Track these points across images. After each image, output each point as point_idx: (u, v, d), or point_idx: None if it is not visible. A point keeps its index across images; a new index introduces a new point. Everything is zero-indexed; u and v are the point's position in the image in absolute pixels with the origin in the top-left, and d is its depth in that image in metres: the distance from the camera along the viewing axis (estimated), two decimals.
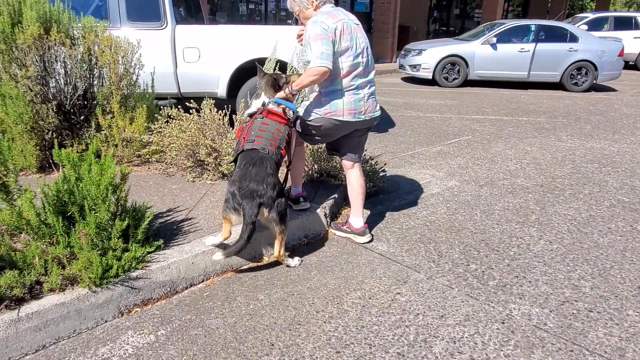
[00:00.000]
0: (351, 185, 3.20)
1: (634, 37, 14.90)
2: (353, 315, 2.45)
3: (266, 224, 2.75)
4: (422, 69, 10.79)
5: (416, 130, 6.65)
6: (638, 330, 2.38)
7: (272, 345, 2.21)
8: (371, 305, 2.53)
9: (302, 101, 3.29)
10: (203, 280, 2.73)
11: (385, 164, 4.55)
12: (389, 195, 4.12)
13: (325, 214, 3.38)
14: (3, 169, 2.32)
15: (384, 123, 6.95)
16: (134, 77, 4.16)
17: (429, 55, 10.75)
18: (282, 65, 4.66)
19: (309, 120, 2.99)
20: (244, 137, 2.83)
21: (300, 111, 3.07)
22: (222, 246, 2.75)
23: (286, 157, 2.97)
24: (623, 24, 15.32)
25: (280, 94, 2.93)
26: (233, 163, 2.94)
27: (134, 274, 2.45)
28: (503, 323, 2.41)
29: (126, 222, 2.46)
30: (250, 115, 3.02)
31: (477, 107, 8.60)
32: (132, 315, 2.43)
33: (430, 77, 10.80)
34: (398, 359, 2.14)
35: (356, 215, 3.21)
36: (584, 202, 4.10)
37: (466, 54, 10.58)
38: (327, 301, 2.56)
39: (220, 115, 3.94)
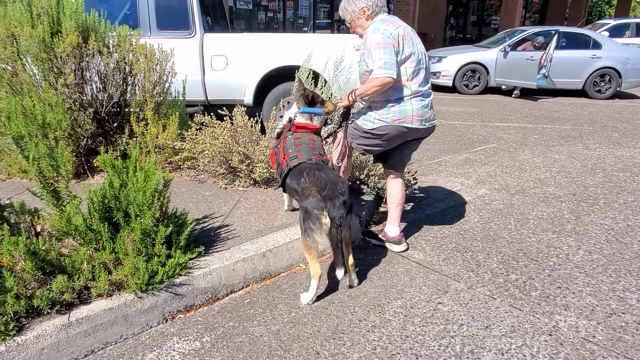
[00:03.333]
0: (391, 195, 3.16)
1: None
2: (396, 324, 2.42)
3: (344, 232, 2.54)
4: (442, 76, 10.76)
5: (440, 138, 6.62)
6: None
7: (318, 354, 2.20)
8: (413, 315, 2.51)
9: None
10: (243, 287, 2.73)
11: (416, 172, 4.52)
12: (420, 203, 4.10)
13: (360, 222, 3.37)
14: (55, 174, 2.35)
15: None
16: (167, 85, 4.21)
17: (449, 62, 10.72)
18: (315, 75, 4.67)
19: (373, 129, 2.87)
20: (284, 157, 2.83)
21: (360, 121, 2.95)
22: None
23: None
24: None
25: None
26: (281, 188, 2.96)
27: (177, 281, 2.46)
28: (550, 335, 2.37)
29: (170, 228, 2.48)
30: (279, 135, 3.05)
31: (500, 114, 8.53)
32: (176, 321, 2.43)
33: (451, 85, 10.76)
34: None
35: (393, 224, 3.19)
36: (619, 212, 4.02)
37: (486, 61, 10.52)
38: (369, 310, 2.54)
39: (252, 122, 3.96)
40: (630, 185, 4.71)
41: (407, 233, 3.48)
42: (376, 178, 3.76)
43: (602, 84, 10.42)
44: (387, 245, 3.22)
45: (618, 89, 10.39)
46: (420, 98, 2.82)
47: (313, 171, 2.59)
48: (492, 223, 3.72)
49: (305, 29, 15.71)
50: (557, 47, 9.99)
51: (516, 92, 10.52)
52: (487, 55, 10.59)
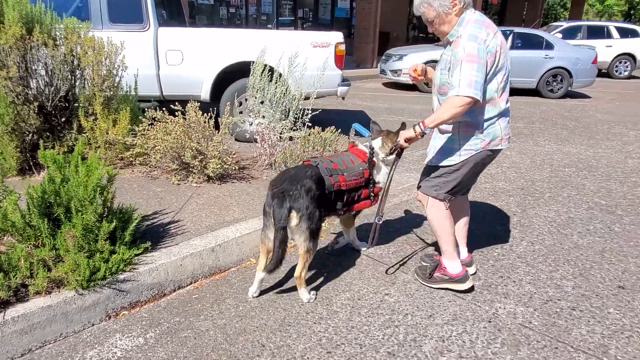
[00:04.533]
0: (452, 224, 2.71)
1: (606, 46, 15.39)
2: (343, 316, 2.46)
3: (293, 236, 2.40)
4: (403, 74, 10.92)
5: None
6: (619, 327, 2.45)
7: (263, 346, 2.21)
8: (360, 306, 2.55)
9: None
10: (191, 283, 2.71)
11: None
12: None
13: None
14: None
15: (367, 128, 7.00)
16: (117, 79, 4.12)
17: (410, 60, 10.88)
18: (270, 70, 4.65)
19: (460, 162, 2.45)
20: None
21: (438, 159, 2.52)
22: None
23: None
24: (596, 32, 15.81)
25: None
26: None
27: (121, 277, 2.42)
28: (490, 322, 2.46)
29: (113, 224, 2.43)
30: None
31: None
32: (120, 318, 2.39)
33: (411, 82, 10.94)
34: (389, 358, 2.16)
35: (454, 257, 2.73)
36: (562, 205, 4.21)
37: None
38: (317, 302, 2.57)
39: (205, 118, 3.93)
40: (574, 180, 4.94)
41: (359, 229, 3.53)
42: None
43: (555, 83, 10.84)
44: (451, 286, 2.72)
45: (569, 88, 10.84)
46: (506, 115, 2.46)
47: (290, 169, 2.62)
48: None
49: (270, 26, 15.64)
50: (512, 47, 10.33)
51: None
52: None
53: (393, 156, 2.71)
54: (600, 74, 15.07)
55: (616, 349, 2.28)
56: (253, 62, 4.48)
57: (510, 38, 10.06)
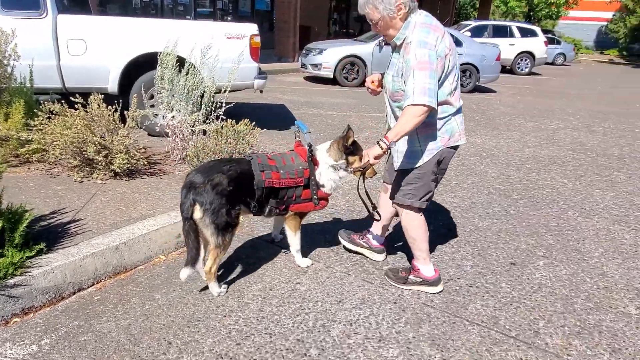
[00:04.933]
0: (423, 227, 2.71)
1: (509, 44, 16.64)
2: (254, 307, 2.46)
3: (202, 230, 2.36)
4: (323, 68, 11.08)
5: (318, 127, 6.82)
6: (509, 299, 2.68)
7: (170, 343, 2.16)
8: (272, 297, 2.57)
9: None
10: (93, 284, 2.57)
11: None
12: None
13: None
14: None
15: (286, 121, 7.03)
16: (9, 69, 3.78)
17: (329, 54, 11.07)
18: (181, 61, 4.49)
19: (424, 163, 2.46)
20: None
21: (404, 163, 2.52)
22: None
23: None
24: (500, 31, 17.04)
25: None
26: None
27: (11, 281, 2.24)
28: (395, 303, 2.58)
29: (0, 224, 2.24)
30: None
31: (375, 105, 9.02)
32: (11, 326, 2.21)
33: (332, 76, 11.12)
34: (297, 344, 2.20)
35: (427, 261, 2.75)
36: (467, 191, 4.51)
37: (364, 55, 11.05)
38: (228, 295, 2.55)
39: (110, 110, 3.72)
40: (478, 168, 5.30)
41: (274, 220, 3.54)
42: None
43: (464, 78, 11.52)
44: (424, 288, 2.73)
45: (477, 83, 11.59)
46: (460, 112, 2.49)
47: (210, 161, 2.58)
48: (356, 205, 3.94)
49: (188, 17, 15.12)
50: None
51: None
52: (364, 49, 11.13)
53: (342, 162, 2.68)
54: (504, 70, 16.28)
55: (505, 319, 2.49)
56: (161, 52, 4.30)
57: None
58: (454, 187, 4.60)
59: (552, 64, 22.41)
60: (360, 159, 2.67)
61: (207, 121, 4.07)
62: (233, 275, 2.75)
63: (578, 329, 2.44)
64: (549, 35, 21.92)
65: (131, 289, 2.57)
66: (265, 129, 4.38)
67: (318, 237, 3.32)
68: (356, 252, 3.08)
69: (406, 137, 2.43)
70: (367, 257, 3.05)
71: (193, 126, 4.01)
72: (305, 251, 3.09)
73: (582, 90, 13.64)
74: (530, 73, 17.37)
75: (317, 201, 2.70)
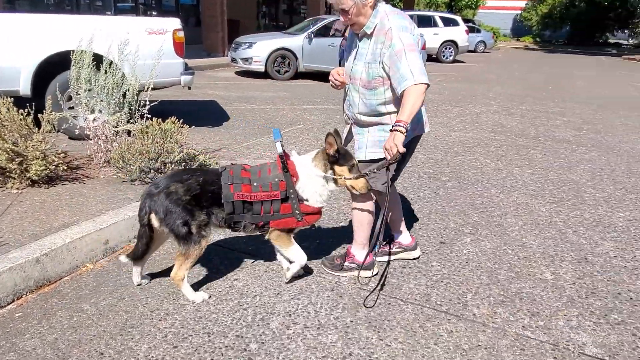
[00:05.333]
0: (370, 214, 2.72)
1: (434, 34, 17.31)
2: (190, 308, 2.42)
3: (169, 237, 2.41)
4: (254, 62, 10.97)
5: (251, 122, 6.75)
6: (440, 277, 2.82)
7: (102, 354, 2.07)
8: (209, 295, 2.53)
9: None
10: (13, 300, 2.40)
11: (217, 157, 4.54)
12: None
13: None
14: None
15: (218, 117, 6.90)
16: None
17: (259, 48, 10.96)
18: (98, 59, 4.26)
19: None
20: None
21: (373, 152, 2.50)
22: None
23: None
24: (425, 21, 17.65)
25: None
26: None
27: None
28: (332, 290, 2.63)
29: None
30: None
31: (308, 98, 9.08)
32: None
33: (263, 70, 11.03)
34: (237, 340, 2.18)
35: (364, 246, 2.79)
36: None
37: (294, 48, 11.05)
38: (163, 299, 2.48)
39: (22, 115, 3.47)
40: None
41: None
42: (174, 166, 3.64)
43: None
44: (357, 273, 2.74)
45: None
46: (424, 103, 2.45)
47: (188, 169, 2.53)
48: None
49: (109, 12, 14.35)
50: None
51: None
52: (294, 41, 11.12)
53: (329, 173, 2.44)
54: (431, 58, 16.94)
55: (436, 295, 2.62)
56: (74, 51, 4.05)
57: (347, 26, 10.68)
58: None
59: (473, 51, 23.59)
60: (351, 170, 2.45)
61: (132, 121, 3.90)
62: (167, 278, 2.67)
63: (502, 297, 2.62)
64: (470, 24, 23.03)
65: (56, 302, 2.43)
66: (194, 127, 4.26)
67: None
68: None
69: (377, 127, 2.49)
70: (407, 259, 2.96)
71: (116, 127, 3.83)
72: (243, 246, 3.07)
73: (501, 76, 14.49)
74: (454, 61, 18.18)
75: (300, 216, 2.45)
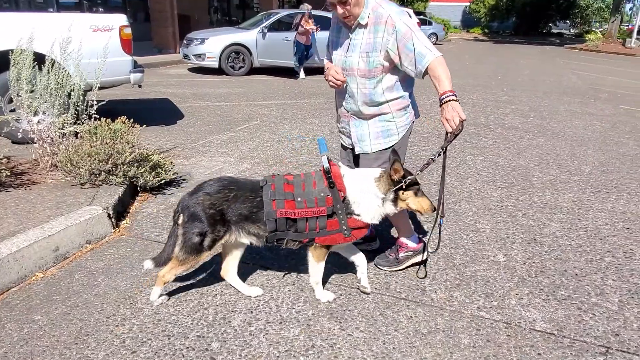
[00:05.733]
0: None
1: None
2: (148, 311, 2.36)
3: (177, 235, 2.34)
4: (207, 58, 10.76)
5: (206, 119, 6.64)
6: None
7: None
8: (168, 298, 2.48)
9: None
10: None
11: (172, 156, 4.44)
12: (181, 187, 4.05)
13: (109, 215, 3.14)
14: None
15: (172, 115, 6.74)
16: None
17: (212, 44, 10.76)
18: (40, 58, 4.05)
19: (400, 139, 2.54)
20: None
21: (380, 144, 2.51)
22: None
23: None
24: None
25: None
26: None
27: None
28: (294, 284, 2.64)
29: None
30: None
31: (264, 93, 9.01)
32: None
33: (217, 66, 10.85)
34: (198, 341, 2.16)
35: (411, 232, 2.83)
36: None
37: (248, 43, 10.92)
38: (119, 304, 2.41)
39: None
40: None
41: (166, 218, 3.41)
42: (125, 167, 3.53)
43: None
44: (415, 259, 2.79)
45: None
46: None
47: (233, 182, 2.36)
48: None
49: (51, 9, 13.67)
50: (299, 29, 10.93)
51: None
52: (248, 36, 10.99)
53: (391, 196, 2.27)
54: None
55: (395, 283, 2.68)
56: (13, 50, 3.84)
57: (305, 17, 10.67)
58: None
59: None
60: (416, 194, 2.33)
61: (79, 122, 3.75)
62: (123, 282, 2.60)
63: (458, 281, 2.71)
64: (421, 17, 23.49)
65: (4, 314, 2.31)
66: (145, 126, 4.15)
67: None
68: (410, 266, 2.82)
69: (377, 118, 2.51)
70: (421, 262, 2.80)
71: (62, 129, 3.67)
72: None
73: (453, 67, 14.83)
74: None
75: (348, 232, 2.28)
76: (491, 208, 3.80)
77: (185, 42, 11.39)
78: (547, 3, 37.76)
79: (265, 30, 10.98)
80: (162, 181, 3.82)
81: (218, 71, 11.00)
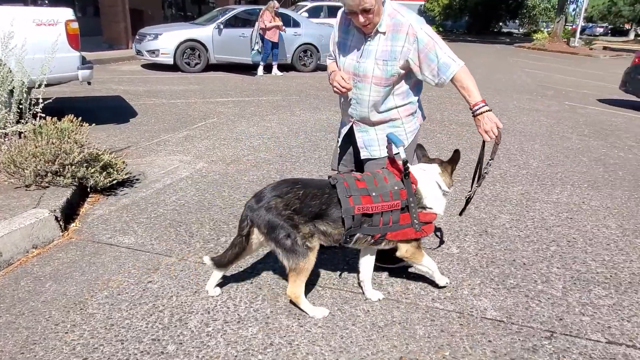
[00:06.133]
0: None
1: None
2: (100, 316, 2.29)
3: (273, 251, 2.29)
4: (161, 54, 10.49)
5: (160, 117, 6.47)
6: (356, 260, 2.91)
7: None
8: (121, 301, 2.41)
9: None
10: None
11: (125, 155, 4.31)
12: (134, 187, 3.93)
13: (57, 218, 3.01)
14: None
15: (124, 113, 6.53)
16: None
17: (166, 39, 10.50)
18: None
19: (410, 143, 2.58)
20: None
21: (381, 149, 2.55)
22: None
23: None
24: (335, 12, 17.84)
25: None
26: None
27: None
28: (252, 283, 2.63)
29: None
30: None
31: (221, 90, 8.88)
32: None
33: (172, 63, 10.59)
34: (153, 344, 2.11)
35: None
36: (314, 165, 4.73)
37: (203, 39, 10.71)
38: (68, 310, 2.32)
39: None
40: (324, 143, 5.59)
41: (118, 220, 3.30)
42: (74, 167, 3.39)
43: (306, 58, 11.95)
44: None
45: (318, 62, 12.09)
46: None
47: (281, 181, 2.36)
48: (207, 194, 3.87)
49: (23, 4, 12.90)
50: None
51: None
52: (204, 32, 10.78)
53: (452, 188, 2.49)
54: None
55: (354, 278, 2.71)
56: None
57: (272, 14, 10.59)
58: (302, 162, 4.79)
59: None
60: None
61: (22, 121, 3.57)
62: (73, 287, 2.51)
63: (413, 275, 2.77)
64: None
65: None
66: (95, 124, 4.01)
67: (169, 230, 3.19)
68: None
69: (387, 124, 2.51)
70: None
71: (4, 128, 3.49)
72: (157, 247, 2.96)
73: None
74: None
75: (418, 226, 2.31)
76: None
77: (137, 37, 11.04)
78: (497, 3, 39.13)
79: (222, 26, 10.81)
80: (114, 181, 3.70)
81: (173, 68, 10.74)
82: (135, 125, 5.96)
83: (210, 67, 11.09)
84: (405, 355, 2.12)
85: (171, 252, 2.92)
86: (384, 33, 2.32)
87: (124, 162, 3.95)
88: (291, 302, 2.39)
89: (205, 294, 2.49)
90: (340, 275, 2.76)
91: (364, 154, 2.61)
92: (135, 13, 14.76)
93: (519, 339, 2.25)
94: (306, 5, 17.45)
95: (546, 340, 2.25)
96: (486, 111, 2.30)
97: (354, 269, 2.81)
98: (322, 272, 2.76)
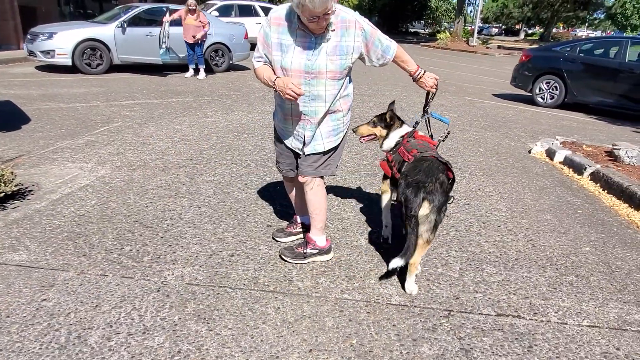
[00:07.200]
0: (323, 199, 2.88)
1: (256, 23, 17.48)
2: None
3: (420, 225, 2.48)
4: (58, 54, 9.72)
5: (57, 123, 6.01)
6: (267, 259, 2.93)
7: None
8: (10, 324, 2.22)
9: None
10: None
11: (13, 165, 3.95)
12: (27, 199, 3.63)
13: None
14: None
15: (14, 119, 5.98)
16: None
17: (62, 39, 9.74)
18: None
19: (344, 135, 2.78)
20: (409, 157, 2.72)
21: (333, 140, 2.70)
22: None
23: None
24: (246, 11, 17.74)
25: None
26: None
27: None
28: (159, 291, 2.54)
29: None
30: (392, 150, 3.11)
31: (127, 92, 8.43)
32: None
33: (70, 64, 9.85)
34: None
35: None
36: (226, 167, 4.66)
37: (105, 38, 10.09)
38: None
39: None
40: (236, 143, 5.52)
41: (7, 235, 3.03)
42: None
43: (218, 58, 11.69)
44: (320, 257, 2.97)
45: (231, 62, 11.89)
46: None
47: (421, 162, 2.60)
48: (110, 202, 3.67)
49: None
50: (172, 24, 10.46)
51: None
52: (105, 31, 10.14)
53: None
54: (252, 48, 17.07)
55: (264, 277, 2.72)
56: None
57: (167, 14, 10.20)
58: (214, 165, 4.70)
59: None
60: None
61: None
62: None
63: (323, 268, 2.85)
64: None
65: None
66: None
67: (66, 243, 2.99)
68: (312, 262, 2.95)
69: (329, 117, 2.62)
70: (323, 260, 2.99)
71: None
72: (52, 261, 2.75)
73: None
74: None
75: None
76: (355, 196, 4.05)
77: (29, 37, 10.12)
78: (403, 4, 41.02)
79: (125, 25, 10.26)
80: (2, 194, 3.38)
81: (72, 69, 10.00)
82: (27, 132, 5.48)
83: (114, 68, 10.48)
84: (314, 347, 2.17)
85: (69, 266, 2.73)
86: (333, 30, 2.43)
87: (12, 172, 3.62)
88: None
89: (108, 306, 2.37)
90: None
91: (307, 150, 2.67)
92: (26, 10, 13.53)
93: (420, 320, 2.40)
94: (216, 4, 17.10)
95: (444, 319, 2.42)
96: (424, 73, 2.77)
97: (263, 268, 2.82)
98: (233, 273, 2.74)
